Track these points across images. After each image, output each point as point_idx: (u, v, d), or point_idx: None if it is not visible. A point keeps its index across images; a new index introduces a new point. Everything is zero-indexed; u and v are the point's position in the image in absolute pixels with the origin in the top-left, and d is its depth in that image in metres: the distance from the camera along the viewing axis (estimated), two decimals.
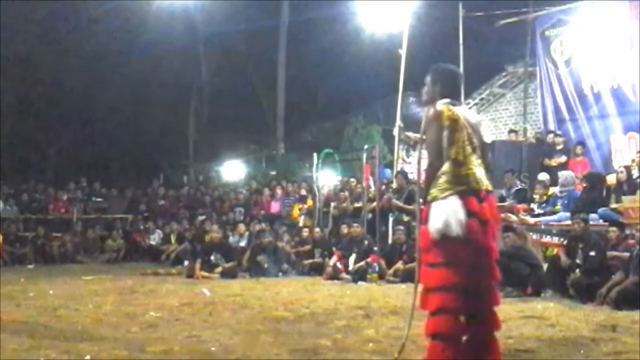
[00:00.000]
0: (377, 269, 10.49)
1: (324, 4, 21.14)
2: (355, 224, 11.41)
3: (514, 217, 10.03)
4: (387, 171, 13.76)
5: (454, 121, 3.86)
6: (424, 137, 4.01)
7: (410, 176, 12.95)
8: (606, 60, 12.91)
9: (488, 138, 15.17)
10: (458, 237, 3.70)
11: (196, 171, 23.44)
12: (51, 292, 8.61)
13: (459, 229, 3.70)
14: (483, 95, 17.31)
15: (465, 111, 4.04)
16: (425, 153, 4.01)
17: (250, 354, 4.66)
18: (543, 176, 11.04)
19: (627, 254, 7.76)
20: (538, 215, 10.22)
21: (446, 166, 3.84)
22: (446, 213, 3.73)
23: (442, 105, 3.92)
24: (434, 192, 3.83)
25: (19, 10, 19.44)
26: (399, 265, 10.55)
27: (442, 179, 3.82)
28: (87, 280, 10.40)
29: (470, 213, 3.75)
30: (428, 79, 4.14)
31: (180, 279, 11.07)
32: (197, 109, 25.44)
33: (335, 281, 10.53)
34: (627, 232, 8.58)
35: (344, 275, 10.70)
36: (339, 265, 10.97)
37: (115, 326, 5.84)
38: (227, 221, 14.98)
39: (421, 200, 4.05)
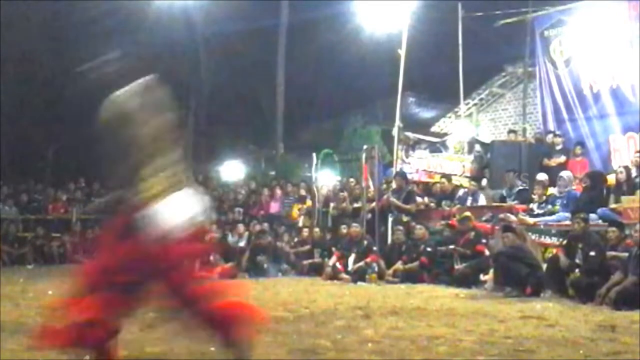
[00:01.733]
0: (376, 269, 10.50)
1: (323, 4, 21.13)
2: (354, 224, 11.42)
3: (513, 217, 10.04)
4: (391, 170, 13.76)
5: (168, 107, 3.49)
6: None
7: (409, 177, 12.98)
8: (605, 60, 12.91)
9: (487, 138, 15.22)
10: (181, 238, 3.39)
11: (195, 171, 23.40)
12: (50, 292, 8.59)
13: (189, 229, 3.43)
14: (482, 96, 17.32)
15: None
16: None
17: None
18: (542, 176, 11.04)
19: (626, 254, 7.76)
20: (537, 215, 10.22)
21: (164, 161, 3.43)
22: (178, 213, 3.38)
23: (152, 82, 3.52)
24: (155, 189, 3.36)
25: (19, 10, 19.44)
26: (398, 265, 10.58)
27: (163, 175, 3.40)
28: None
29: None
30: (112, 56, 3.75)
31: None
32: (196, 109, 25.42)
33: (335, 281, 10.54)
34: (627, 232, 8.58)
35: (343, 275, 10.71)
36: (338, 265, 10.98)
37: None
38: (226, 221, 14.98)
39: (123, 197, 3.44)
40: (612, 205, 9.66)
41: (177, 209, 3.37)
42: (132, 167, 3.37)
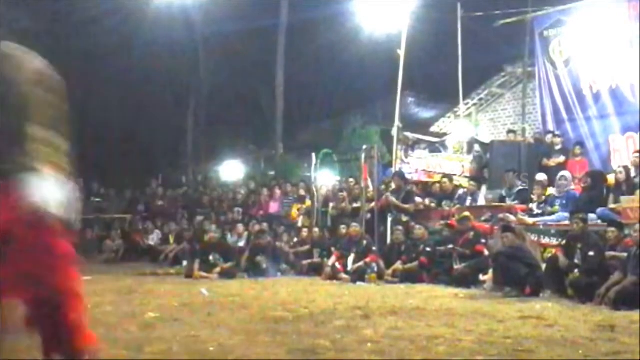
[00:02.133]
0: (375, 269, 10.50)
1: (323, 4, 21.16)
2: (353, 224, 11.42)
3: (512, 218, 10.05)
4: (390, 170, 13.77)
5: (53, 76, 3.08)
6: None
7: (408, 177, 12.99)
8: (605, 60, 12.91)
9: (486, 138, 15.23)
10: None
11: (195, 171, 23.43)
12: None
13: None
14: (482, 96, 17.34)
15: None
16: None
17: (249, 354, 4.66)
18: (541, 176, 11.05)
19: (625, 254, 7.77)
20: (536, 215, 10.23)
21: (59, 140, 3.10)
22: (63, 188, 3.07)
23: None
24: (44, 158, 3.03)
25: (18, 9, 19.43)
26: (398, 265, 10.57)
27: (51, 148, 3.07)
28: (85, 280, 10.37)
29: None
30: None
31: (178, 279, 11.06)
32: (196, 109, 25.44)
33: (334, 281, 10.53)
34: (626, 232, 8.59)
35: (342, 275, 10.70)
36: (337, 265, 10.97)
37: (114, 326, 5.83)
38: (225, 221, 14.98)
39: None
40: (612, 206, 9.67)
41: (57, 191, 3.04)
42: (25, 126, 2.99)
